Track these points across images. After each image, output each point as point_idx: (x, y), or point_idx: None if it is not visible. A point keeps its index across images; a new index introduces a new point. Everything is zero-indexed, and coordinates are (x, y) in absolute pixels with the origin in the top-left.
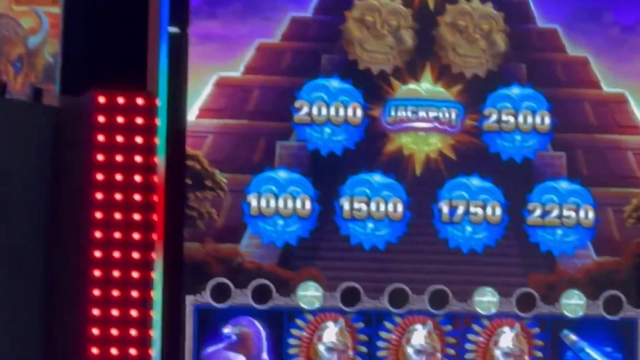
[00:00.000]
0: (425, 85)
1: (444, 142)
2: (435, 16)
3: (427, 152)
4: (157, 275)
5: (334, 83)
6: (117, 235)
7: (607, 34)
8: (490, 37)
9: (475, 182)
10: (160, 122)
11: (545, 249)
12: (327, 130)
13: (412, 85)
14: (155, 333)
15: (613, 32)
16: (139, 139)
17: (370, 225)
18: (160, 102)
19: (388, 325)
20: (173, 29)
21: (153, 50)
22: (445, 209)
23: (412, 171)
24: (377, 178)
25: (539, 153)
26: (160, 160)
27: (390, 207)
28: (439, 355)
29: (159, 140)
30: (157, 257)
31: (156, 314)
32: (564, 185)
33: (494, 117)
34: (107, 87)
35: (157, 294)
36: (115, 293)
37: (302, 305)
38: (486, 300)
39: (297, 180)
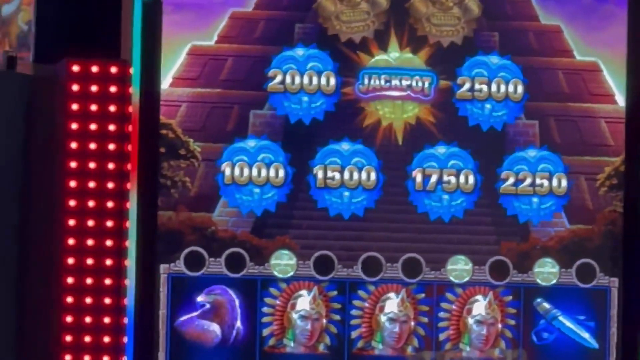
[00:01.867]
0: (399, 54)
1: (417, 110)
2: None
3: (401, 120)
4: (130, 244)
5: (307, 52)
6: (90, 203)
7: (580, 2)
8: (463, 3)
9: (447, 150)
10: (134, 90)
11: (518, 217)
12: (301, 99)
13: (385, 54)
14: (129, 302)
15: (586, 1)
16: (112, 108)
17: (346, 193)
18: (134, 70)
19: (361, 293)
20: None
21: (127, 18)
22: (418, 178)
23: (386, 139)
24: (350, 146)
25: (512, 122)
26: (134, 128)
27: (364, 176)
28: (412, 323)
29: (133, 109)
30: (131, 226)
31: (130, 283)
32: (536, 153)
33: (467, 85)
34: (81, 55)
35: (131, 263)
36: (89, 261)
37: (276, 273)
38: (459, 268)
39: (270, 148)
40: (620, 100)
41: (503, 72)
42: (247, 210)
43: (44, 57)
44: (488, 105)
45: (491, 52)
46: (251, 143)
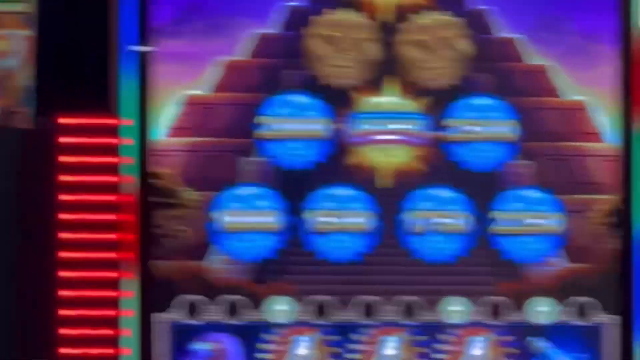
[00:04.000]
0: (390, 98)
1: (410, 153)
2: (396, 35)
3: (394, 164)
4: (128, 293)
5: (299, 98)
6: (84, 254)
7: (568, 42)
8: (452, 45)
9: (442, 192)
10: (132, 141)
11: (514, 257)
12: (292, 145)
13: (377, 98)
14: (128, 352)
15: (575, 41)
16: (105, 159)
17: (340, 238)
18: (130, 122)
19: (360, 337)
20: (138, 49)
21: (117, 69)
22: (413, 220)
23: (380, 183)
24: (344, 191)
25: (505, 162)
26: (131, 179)
27: (358, 220)
28: None
29: (132, 160)
30: (128, 275)
31: (128, 333)
32: (531, 193)
33: (459, 127)
34: (76, 108)
35: (129, 313)
36: (85, 313)
37: (274, 319)
38: (456, 309)
39: (264, 195)
40: (611, 138)
41: (493, 113)
42: (242, 257)
43: (43, 111)
44: (483, 147)
45: (481, 94)
46: (246, 190)
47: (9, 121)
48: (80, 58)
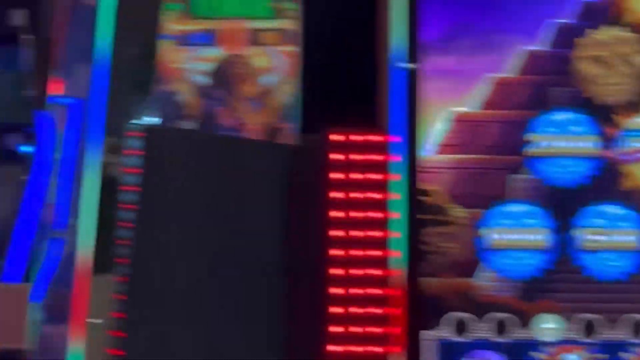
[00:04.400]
0: None
1: None
2: None
3: None
4: (397, 311)
5: (567, 116)
6: (355, 271)
7: None
8: None
9: None
10: (400, 158)
11: None
12: (562, 162)
13: None
14: None
15: None
16: (374, 176)
17: (608, 256)
18: (399, 138)
19: (628, 355)
20: (407, 66)
21: (383, 87)
22: None
23: None
24: (614, 209)
25: None
26: (400, 196)
27: (627, 238)
28: None
29: (400, 177)
30: (398, 292)
31: (397, 350)
32: None
33: None
34: (342, 125)
35: (396, 330)
36: (355, 329)
37: (541, 337)
38: None
39: (532, 213)
40: None
41: None
42: (510, 274)
43: (309, 127)
44: None
45: None
46: (514, 208)
47: (273, 137)
48: (346, 74)
